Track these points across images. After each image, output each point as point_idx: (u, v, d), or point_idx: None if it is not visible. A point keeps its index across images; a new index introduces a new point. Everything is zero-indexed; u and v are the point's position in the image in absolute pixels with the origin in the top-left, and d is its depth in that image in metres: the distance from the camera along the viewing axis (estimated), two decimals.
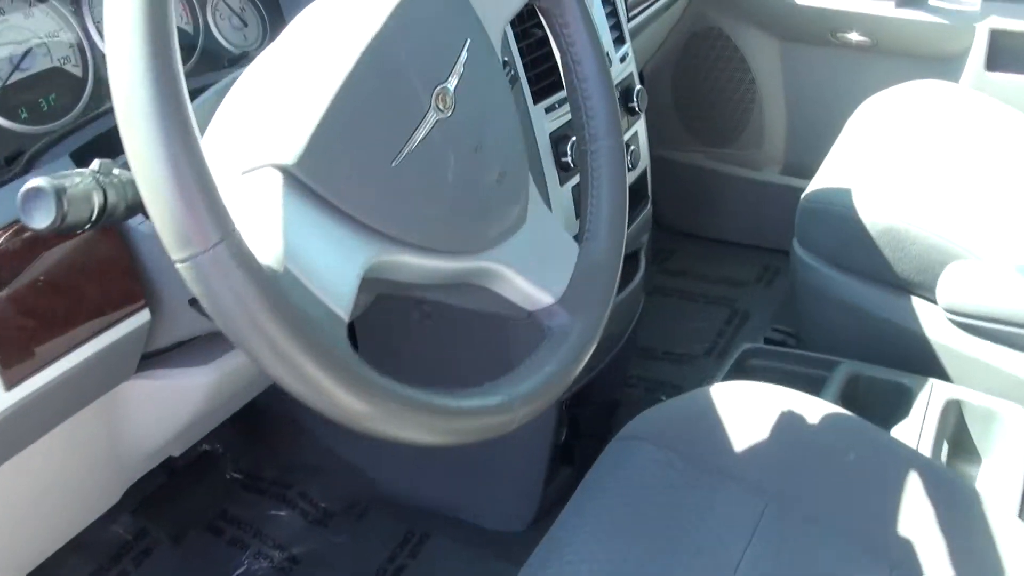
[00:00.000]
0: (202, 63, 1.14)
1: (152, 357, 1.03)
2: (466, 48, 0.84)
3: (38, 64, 0.97)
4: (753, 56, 2.41)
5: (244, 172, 0.71)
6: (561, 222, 1.36)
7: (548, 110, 1.34)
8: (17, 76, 0.95)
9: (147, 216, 0.72)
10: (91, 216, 0.74)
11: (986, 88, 2.04)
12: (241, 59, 1.17)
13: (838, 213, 1.58)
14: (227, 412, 1.34)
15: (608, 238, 0.96)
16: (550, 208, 1.32)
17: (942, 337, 1.49)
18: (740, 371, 1.61)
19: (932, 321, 1.50)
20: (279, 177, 0.69)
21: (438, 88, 0.79)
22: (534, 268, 0.88)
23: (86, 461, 1.13)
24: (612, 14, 1.53)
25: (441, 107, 0.79)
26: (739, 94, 2.47)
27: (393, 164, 0.75)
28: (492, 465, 1.72)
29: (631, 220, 1.61)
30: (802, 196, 1.67)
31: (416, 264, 0.78)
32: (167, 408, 1.10)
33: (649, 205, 1.68)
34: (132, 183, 0.77)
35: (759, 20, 2.35)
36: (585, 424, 1.74)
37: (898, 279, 1.53)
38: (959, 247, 1.46)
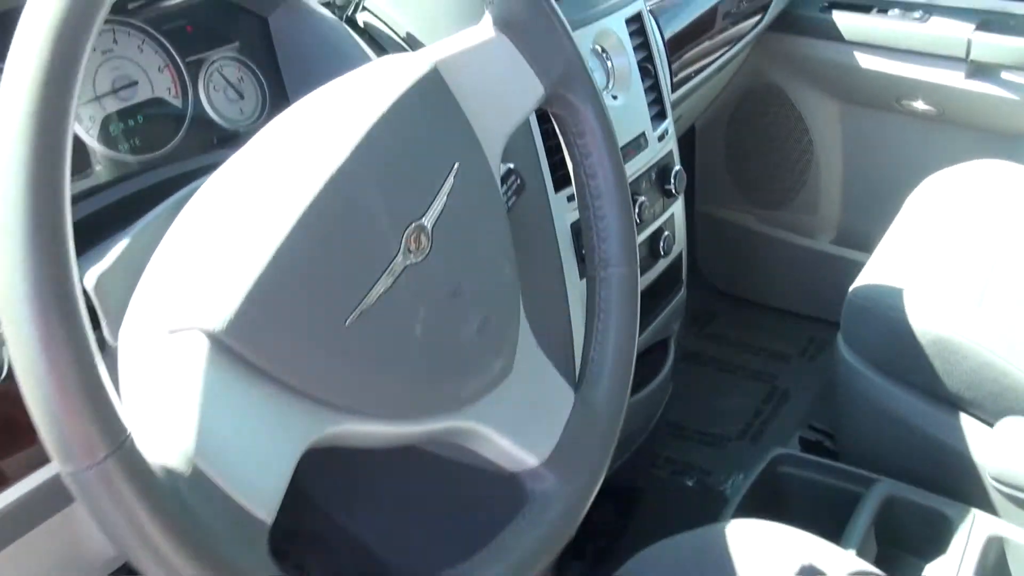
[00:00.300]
0: (189, 142, 1.04)
1: None
2: (453, 173, 0.73)
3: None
4: (812, 117, 2.28)
5: (171, 332, 0.60)
6: (579, 319, 1.25)
7: (570, 198, 1.23)
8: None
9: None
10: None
11: None
12: (234, 138, 1.07)
13: (886, 315, 1.46)
14: None
15: (609, 387, 0.85)
16: (568, 307, 1.22)
17: (990, 463, 1.35)
18: (769, 477, 1.49)
19: (980, 444, 1.37)
20: (206, 343, 0.59)
21: (411, 227, 0.68)
22: (518, 426, 0.77)
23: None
24: (653, 87, 1.41)
25: (413, 249, 0.68)
26: (795, 155, 2.34)
27: (347, 323, 0.64)
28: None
29: (663, 306, 1.50)
30: (850, 290, 1.54)
31: (373, 432, 0.68)
32: None
33: (683, 291, 1.56)
34: None
35: (820, 80, 2.22)
36: (600, 518, 1.62)
37: (948, 394, 1.40)
38: (1015, 368, 1.32)
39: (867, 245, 2.28)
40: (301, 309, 0.62)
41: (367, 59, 1.08)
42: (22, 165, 0.49)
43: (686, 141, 2.41)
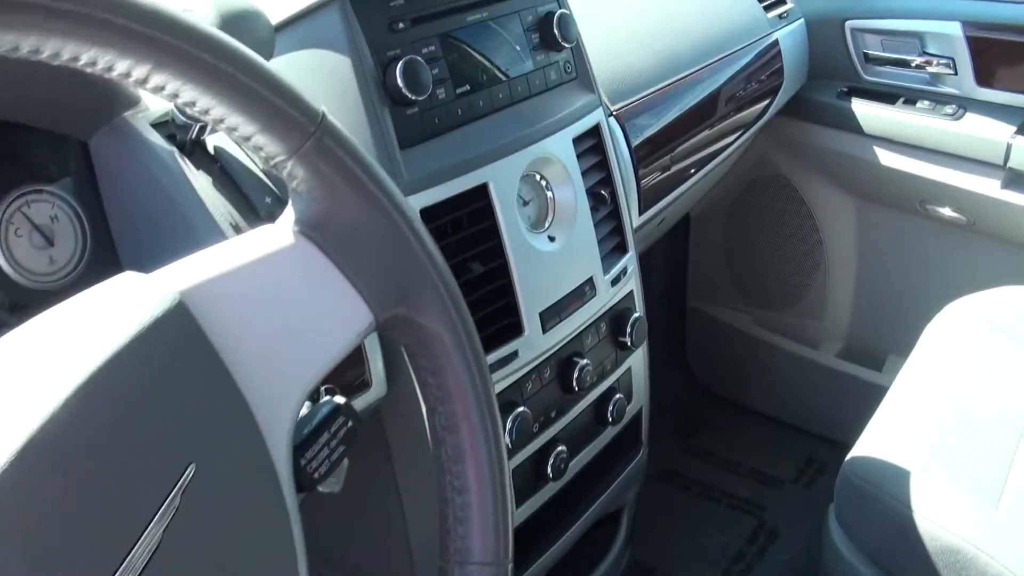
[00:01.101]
0: None
1: None
2: (179, 487, 0.47)
3: None
4: (823, 213, 2.01)
5: None
6: None
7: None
8: None
9: None
10: None
11: None
12: (34, 301, 0.81)
13: (887, 503, 1.19)
14: None
15: None
16: None
17: None
18: None
19: None
20: None
21: None
22: None
23: None
24: (612, 216, 1.15)
25: None
26: (802, 254, 2.07)
27: None
28: None
29: (618, 472, 1.23)
30: (847, 458, 1.28)
31: None
32: None
33: (642, 453, 1.29)
34: None
35: (834, 174, 1.95)
36: None
37: None
38: None
39: (877, 363, 2.02)
40: None
41: (197, 202, 0.82)
42: None
43: (680, 230, 2.14)
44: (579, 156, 1.08)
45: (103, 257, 0.86)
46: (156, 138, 0.83)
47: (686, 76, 1.45)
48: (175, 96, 0.49)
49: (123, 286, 0.50)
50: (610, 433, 1.19)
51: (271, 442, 0.52)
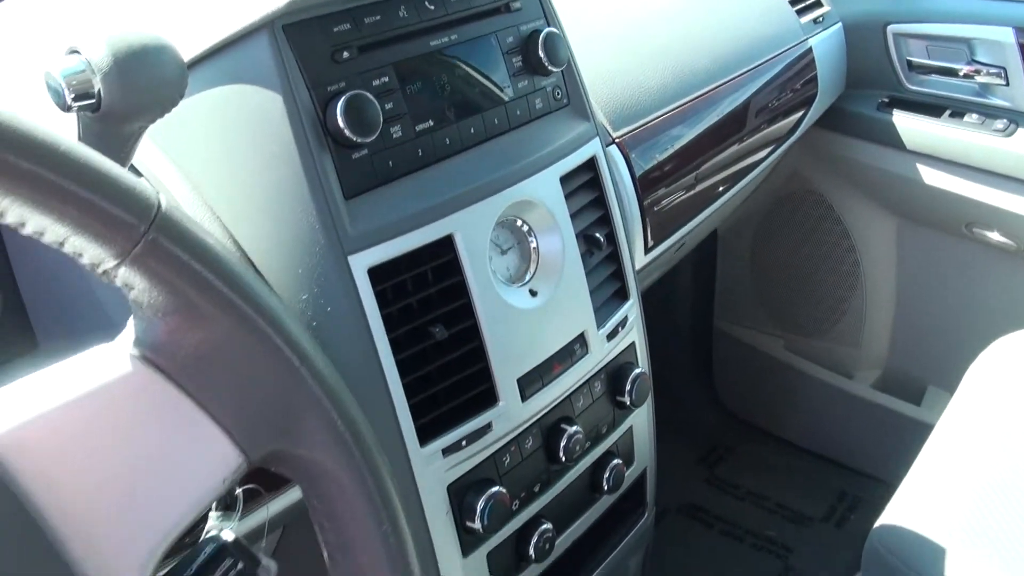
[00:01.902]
0: None
1: None
2: None
3: None
4: (860, 233, 1.87)
5: None
6: None
7: (445, 451, 0.83)
8: None
9: None
10: None
11: None
12: None
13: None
14: None
15: None
16: None
17: None
18: None
19: None
20: None
21: None
22: None
23: None
24: (611, 259, 1.01)
25: None
26: (837, 277, 1.94)
27: None
28: None
29: (617, 541, 1.11)
30: (875, 526, 1.15)
31: None
32: None
33: (648, 515, 1.16)
34: None
35: (872, 191, 1.82)
36: None
37: None
38: None
39: (915, 395, 1.88)
40: None
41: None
42: None
43: (707, 247, 2.00)
44: (569, 196, 0.94)
45: (14, 327, 0.76)
46: None
47: (706, 93, 1.31)
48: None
49: None
50: (606, 502, 1.06)
51: None
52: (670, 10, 1.42)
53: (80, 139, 0.68)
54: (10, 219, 0.39)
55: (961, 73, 1.66)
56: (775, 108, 1.52)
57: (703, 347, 2.15)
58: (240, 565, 0.53)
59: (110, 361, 0.44)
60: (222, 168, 0.77)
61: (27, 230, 0.40)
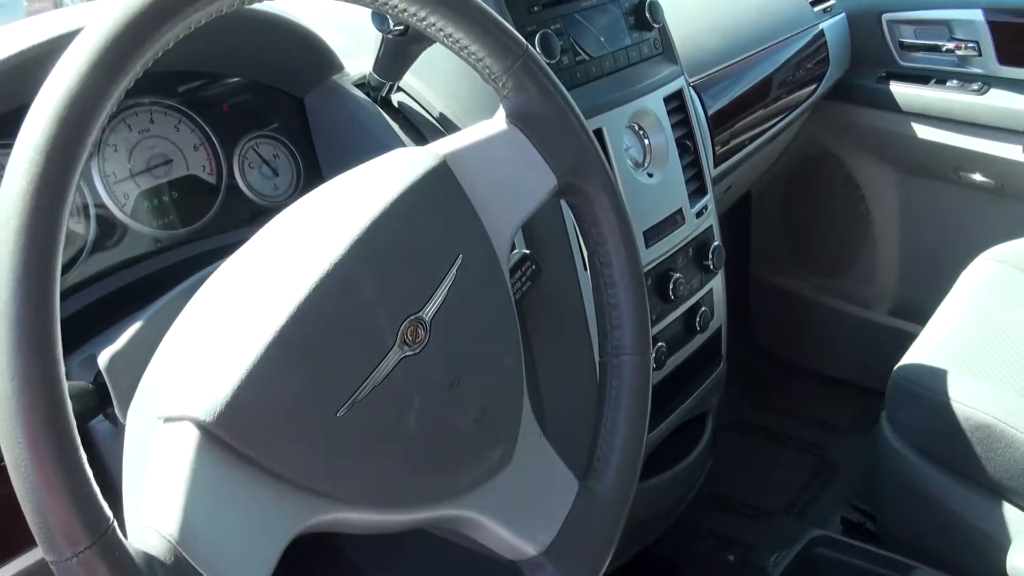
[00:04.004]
0: (223, 217, 1.06)
1: None
2: (456, 266, 0.74)
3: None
4: (869, 186, 2.25)
5: (165, 420, 0.62)
6: None
7: None
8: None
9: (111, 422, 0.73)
10: None
11: None
12: (267, 212, 1.08)
13: (930, 397, 1.42)
14: None
15: (615, 477, 0.84)
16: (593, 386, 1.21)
17: None
18: (807, 558, 1.46)
19: (1022, 534, 1.32)
20: (195, 433, 0.60)
21: (408, 320, 0.69)
22: (516, 515, 0.76)
23: None
24: (693, 164, 1.41)
25: (409, 342, 0.68)
26: (852, 224, 2.31)
27: (339, 413, 0.64)
28: None
29: (701, 382, 1.48)
30: (895, 368, 1.51)
31: (364, 521, 0.68)
32: None
33: (723, 366, 1.55)
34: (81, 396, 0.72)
35: (877, 150, 2.19)
36: None
37: (990, 482, 1.36)
38: None
39: (924, 317, 2.22)
40: (292, 400, 0.63)
41: (398, 140, 1.09)
42: (13, 270, 0.51)
43: (741, 207, 2.40)
44: (668, 112, 1.35)
45: (313, 185, 1.14)
46: (360, 94, 1.12)
47: (745, 58, 1.72)
48: (439, 29, 0.77)
49: (407, 153, 0.78)
50: (697, 341, 1.45)
51: (500, 255, 0.80)
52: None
53: (380, 57, 1.08)
54: (459, 44, 0.78)
55: (943, 48, 2.03)
56: (794, 81, 1.93)
57: (741, 295, 2.53)
58: (534, 266, 0.94)
59: (495, 124, 0.82)
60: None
61: (460, 47, 0.79)
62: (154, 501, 0.58)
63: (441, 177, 0.77)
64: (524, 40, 0.81)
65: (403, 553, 1.46)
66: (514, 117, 0.83)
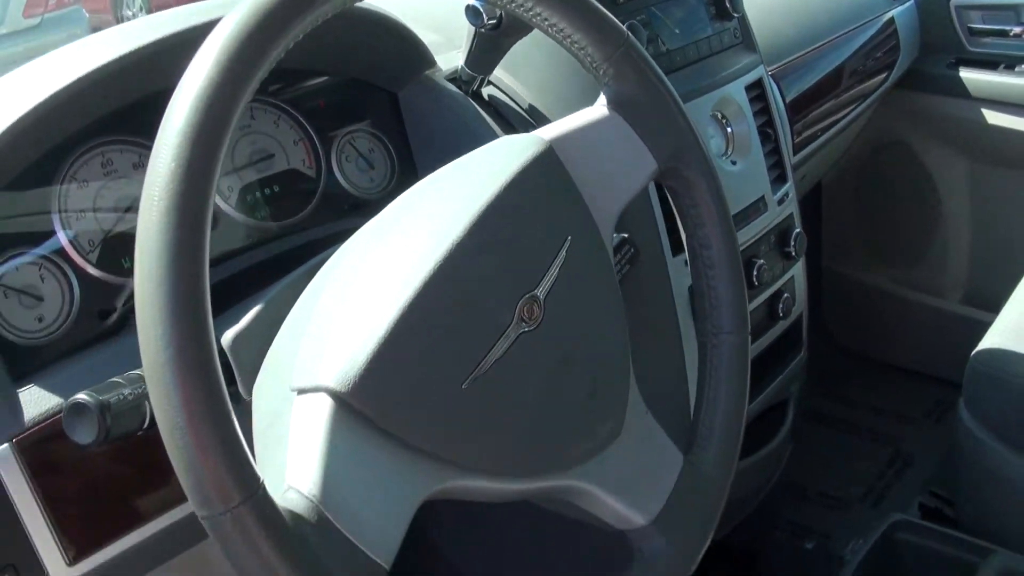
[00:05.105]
0: (322, 209, 1.10)
1: None
2: (566, 247, 0.76)
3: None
4: (939, 174, 2.25)
5: (298, 391, 0.65)
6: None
7: (687, 263, 1.24)
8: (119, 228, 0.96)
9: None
10: (141, 424, 0.71)
11: None
12: (365, 205, 1.12)
13: (1010, 381, 1.43)
14: None
15: (718, 451, 0.86)
16: (684, 368, 1.23)
17: None
18: (888, 543, 1.48)
19: None
20: (331, 404, 0.63)
21: (525, 298, 0.72)
22: (626, 486, 0.79)
23: None
24: (773, 152, 1.43)
25: (526, 319, 0.72)
26: (923, 213, 2.30)
27: (463, 386, 0.68)
28: None
29: (782, 369, 1.50)
30: (973, 353, 1.52)
31: (485, 488, 0.71)
32: None
33: (803, 353, 1.56)
34: None
35: (948, 138, 2.19)
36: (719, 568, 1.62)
37: None
38: None
39: (997, 306, 2.22)
40: (420, 373, 0.67)
41: (491, 132, 1.12)
42: (167, 245, 0.55)
43: (812, 197, 2.40)
44: (750, 100, 1.37)
45: (407, 177, 1.17)
46: (453, 89, 1.15)
47: (819, 47, 1.73)
48: (544, 19, 0.80)
49: (516, 139, 0.81)
50: (780, 328, 1.46)
51: (604, 237, 0.82)
52: None
53: (472, 51, 1.11)
54: (566, 35, 0.81)
55: (1012, 33, 2.03)
56: (867, 67, 1.93)
57: (814, 286, 2.53)
58: (632, 249, 0.97)
59: (597, 111, 0.85)
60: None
61: (565, 37, 0.81)
62: (294, 465, 0.62)
63: (548, 161, 0.80)
64: (625, 29, 0.83)
65: (490, 545, 1.49)
66: (615, 104, 0.85)
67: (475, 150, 0.81)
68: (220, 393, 0.55)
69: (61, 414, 0.78)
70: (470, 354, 0.69)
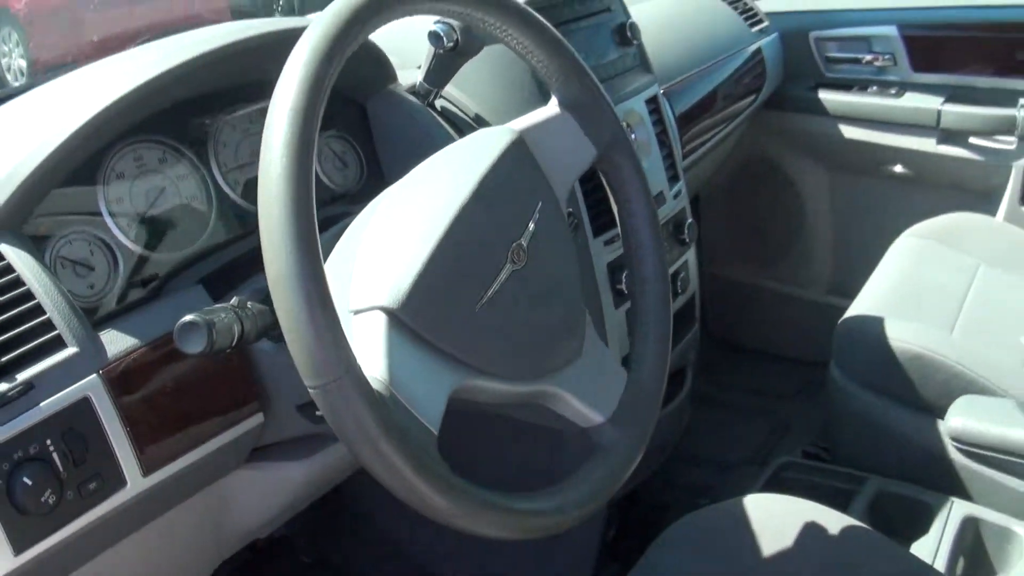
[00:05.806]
0: None
1: (259, 450, 1.20)
2: (538, 210, 1.00)
3: (169, 202, 1.17)
4: (803, 183, 2.55)
5: (356, 312, 0.87)
6: (616, 343, 1.52)
7: (606, 243, 1.50)
8: (152, 212, 1.15)
9: (273, 340, 0.88)
10: (232, 342, 0.92)
11: (1021, 221, 2.16)
12: (342, 197, 1.34)
13: (872, 338, 1.68)
14: (309, 500, 1.49)
15: (653, 367, 1.11)
16: (605, 331, 1.49)
17: (961, 459, 1.59)
18: (776, 483, 1.73)
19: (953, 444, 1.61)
20: (384, 318, 0.85)
21: (514, 244, 0.95)
22: (588, 392, 1.02)
23: (188, 539, 1.27)
24: (668, 155, 1.70)
25: (515, 261, 0.94)
26: (789, 217, 2.60)
27: (476, 308, 0.90)
28: (543, 560, 1.85)
29: (679, 340, 1.75)
30: (839, 321, 1.78)
31: (492, 388, 0.93)
32: (267, 496, 1.25)
33: (696, 326, 1.83)
34: (263, 314, 0.96)
35: (809, 151, 2.50)
36: (633, 524, 1.87)
37: (924, 403, 1.62)
38: (980, 377, 1.57)
39: (856, 293, 2.53)
40: (449, 296, 0.89)
41: (448, 136, 1.36)
42: (286, 184, 0.76)
43: (691, 207, 2.68)
44: (648, 113, 1.64)
45: (375, 175, 1.38)
46: (413, 99, 1.39)
47: (700, 70, 2.03)
48: (513, 38, 1.04)
49: (494, 131, 1.05)
50: (679, 303, 1.72)
51: (560, 205, 1.07)
52: (671, 20, 2.16)
53: (431, 69, 1.35)
54: (517, 41, 1.06)
55: (864, 60, 2.36)
56: (738, 91, 2.23)
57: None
58: (575, 220, 1.22)
59: (551, 109, 1.09)
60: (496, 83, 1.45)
61: (520, 47, 1.06)
62: (363, 360, 0.82)
63: (520, 147, 1.04)
64: (572, 48, 1.08)
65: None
66: (564, 104, 1.10)
67: (464, 138, 1.05)
68: (328, 297, 0.74)
69: (133, 353, 0.98)
70: (481, 283, 0.89)
